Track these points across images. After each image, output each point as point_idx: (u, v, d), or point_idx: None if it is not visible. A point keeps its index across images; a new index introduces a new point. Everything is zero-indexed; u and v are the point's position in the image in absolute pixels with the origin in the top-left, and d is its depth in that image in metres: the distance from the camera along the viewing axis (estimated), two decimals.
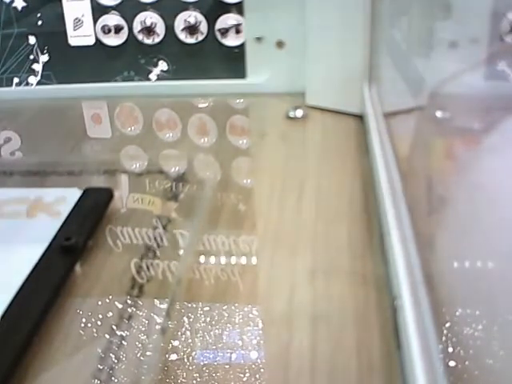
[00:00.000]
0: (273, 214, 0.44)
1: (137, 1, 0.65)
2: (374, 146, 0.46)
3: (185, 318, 0.34)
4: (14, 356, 0.31)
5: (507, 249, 0.29)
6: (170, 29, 0.65)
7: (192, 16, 0.64)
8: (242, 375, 0.30)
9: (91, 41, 0.67)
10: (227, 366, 0.30)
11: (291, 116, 0.60)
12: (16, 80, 0.68)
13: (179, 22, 0.65)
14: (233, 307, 0.34)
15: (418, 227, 0.35)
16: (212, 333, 0.33)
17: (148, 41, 0.66)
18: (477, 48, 0.54)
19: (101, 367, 0.31)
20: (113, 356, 0.31)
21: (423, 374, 0.26)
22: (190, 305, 0.35)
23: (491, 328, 0.27)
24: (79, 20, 0.66)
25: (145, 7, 0.65)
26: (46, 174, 0.51)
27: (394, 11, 0.54)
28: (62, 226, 0.41)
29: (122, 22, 0.66)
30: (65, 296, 0.36)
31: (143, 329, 0.33)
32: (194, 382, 0.30)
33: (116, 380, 0.30)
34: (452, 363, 0.27)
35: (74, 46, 0.67)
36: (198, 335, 0.32)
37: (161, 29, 0.65)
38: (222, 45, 0.65)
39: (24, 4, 0.66)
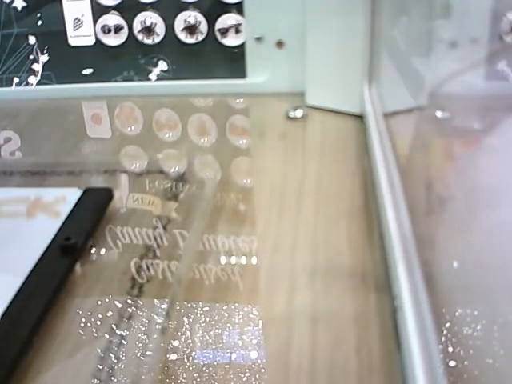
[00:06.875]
0: (273, 213, 0.44)
1: (137, 1, 0.65)
2: (374, 146, 0.46)
3: (185, 318, 0.34)
4: (14, 356, 0.31)
5: (507, 248, 0.29)
6: (169, 29, 0.65)
7: (192, 16, 0.64)
8: (242, 375, 0.30)
9: (91, 41, 0.67)
10: (227, 366, 0.30)
11: (291, 116, 0.59)
12: (16, 80, 0.68)
13: (179, 22, 0.65)
14: (233, 307, 0.34)
15: (417, 227, 0.35)
16: (212, 333, 0.33)
17: (148, 41, 0.66)
18: (477, 48, 0.54)
19: (101, 367, 0.31)
20: (113, 356, 0.31)
21: (423, 373, 0.26)
22: (189, 305, 0.35)
23: (491, 328, 0.27)
24: (79, 20, 0.66)
25: (145, 7, 0.65)
26: (46, 174, 0.51)
27: (393, 11, 0.54)
28: (61, 226, 0.41)
29: (122, 22, 0.66)
30: (65, 296, 0.36)
31: (143, 328, 0.33)
32: (194, 382, 0.30)
33: (116, 380, 0.30)
34: (452, 363, 0.27)
35: (74, 46, 0.67)
36: (198, 335, 0.32)
37: (161, 29, 0.65)
38: (221, 45, 0.65)
39: (24, 4, 0.66)
